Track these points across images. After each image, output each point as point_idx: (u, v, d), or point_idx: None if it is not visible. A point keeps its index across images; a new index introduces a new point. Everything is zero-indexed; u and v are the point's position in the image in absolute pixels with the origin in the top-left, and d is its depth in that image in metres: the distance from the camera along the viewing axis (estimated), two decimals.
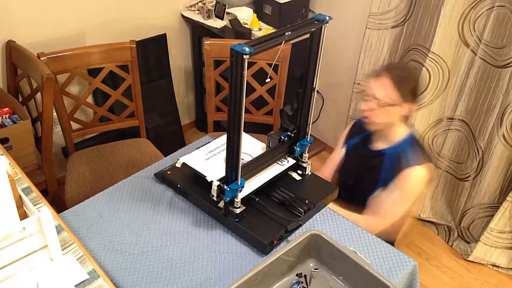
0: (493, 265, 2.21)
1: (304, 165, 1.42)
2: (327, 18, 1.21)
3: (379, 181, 1.55)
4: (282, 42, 1.11)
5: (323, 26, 1.23)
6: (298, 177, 1.42)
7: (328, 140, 2.90)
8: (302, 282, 1.14)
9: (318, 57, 1.29)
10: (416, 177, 1.47)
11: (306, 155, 1.43)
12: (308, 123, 1.37)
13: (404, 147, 1.52)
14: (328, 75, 2.69)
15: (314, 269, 1.17)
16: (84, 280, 1.05)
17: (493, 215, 2.10)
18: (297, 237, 1.15)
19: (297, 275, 1.15)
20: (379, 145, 1.59)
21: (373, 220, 1.52)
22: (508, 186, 2.09)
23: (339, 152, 1.76)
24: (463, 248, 2.28)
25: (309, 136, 1.40)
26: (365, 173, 1.62)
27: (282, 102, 2.04)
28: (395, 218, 1.53)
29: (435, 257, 2.27)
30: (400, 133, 1.54)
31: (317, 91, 2.76)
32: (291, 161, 1.42)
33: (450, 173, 2.33)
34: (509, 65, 1.90)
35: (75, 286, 1.04)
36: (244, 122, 1.11)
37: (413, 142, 1.55)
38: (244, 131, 1.15)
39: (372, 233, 1.32)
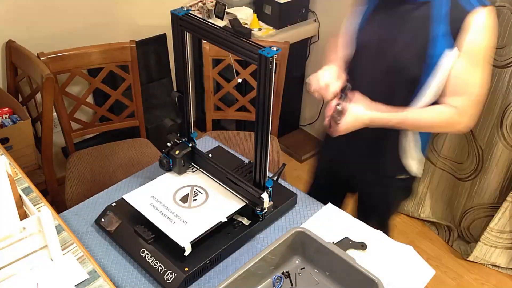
0: (493, 265, 2.21)
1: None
2: (271, 52, 1.02)
3: (429, 45, 1.11)
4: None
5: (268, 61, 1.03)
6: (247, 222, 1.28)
7: None
8: (287, 277, 1.15)
9: (266, 98, 1.09)
10: (482, 22, 1.07)
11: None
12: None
13: None
14: None
15: (301, 268, 1.17)
16: (84, 280, 1.05)
17: (493, 215, 2.10)
18: (282, 235, 1.15)
19: (282, 273, 1.15)
20: None
21: (461, 105, 1.13)
22: (508, 186, 2.09)
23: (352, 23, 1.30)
24: (463, 248, 2.28)
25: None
26: (401, 40, 1.16)
27: (280, 101, 2.04)
28: (483, 92, 1.13)
29: (435, 257, 2.27)
30: None
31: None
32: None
33: (450, 173, 2.33)
34: (509, 65, 1.90)
35: (75, 286, 1.04)
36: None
37: None
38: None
39: (462, 129, 1.11)
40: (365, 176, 1.45)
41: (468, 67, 1.11)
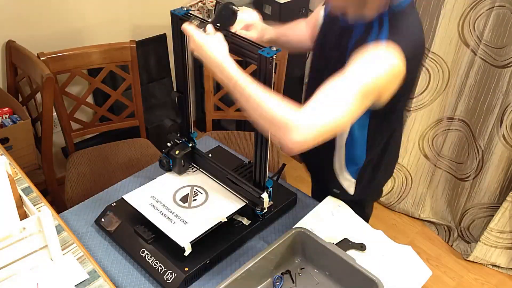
0: (493, 265, 2.21)
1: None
2: (271, 52, 1.01)
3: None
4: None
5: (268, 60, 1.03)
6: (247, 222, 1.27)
7: None
8: (287, 273, 1.15)
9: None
10: (379, 55, 0.97)
11: None
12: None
13: (382, 18, 1.03)
14: None
15: (301, 268, 1.17)
16: (84, 280, 1.05)
17: (493, 215, 2.10)
18: (282, 235, 1.15)
19: (282, 273, 1.15)
20: (353, 14, 1.09)
21: (304, 113, 0.95)
22: (508, 186, 2.09)
23: (317, 13, 1.28)
24: (463, 248, 2.28)
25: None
26: (331, 56, 1.16)
27: None
28: (334, 116, 0.95)
29: (435, 257, 2.27)
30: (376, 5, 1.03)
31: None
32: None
33: (450, 173, 2.33)
34: (509, 65, 1.90)
35: (75, 286, 1.04)
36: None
37: (406, 10, 1.05)
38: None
39: (293, 137, 0.92)
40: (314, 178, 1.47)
41: (338, 86, 0.97)
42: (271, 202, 1.27)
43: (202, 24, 1.08)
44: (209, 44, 1.04)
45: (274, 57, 1.03)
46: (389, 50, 0.98)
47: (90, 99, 2.24)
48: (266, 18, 2.47)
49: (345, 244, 1.22)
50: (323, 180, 1.42)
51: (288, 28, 1.38)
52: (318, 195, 1.42)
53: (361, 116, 1.03)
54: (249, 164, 1.44)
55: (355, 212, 1.35)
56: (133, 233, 1.21)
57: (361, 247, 1.22)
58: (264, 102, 0.96)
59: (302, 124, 0.93)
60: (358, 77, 0.97)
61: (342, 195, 1.36)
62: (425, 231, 2.41)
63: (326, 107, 0.96)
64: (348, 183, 1.33)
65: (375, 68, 0.98)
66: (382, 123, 1.20)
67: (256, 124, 1.02)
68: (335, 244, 1.19)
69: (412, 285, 1.15)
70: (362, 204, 1.42)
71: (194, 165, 1.41)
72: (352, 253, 1.20)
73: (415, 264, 1.20)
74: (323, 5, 1.26)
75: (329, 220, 1.31)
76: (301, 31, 1.37)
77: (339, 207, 1.34)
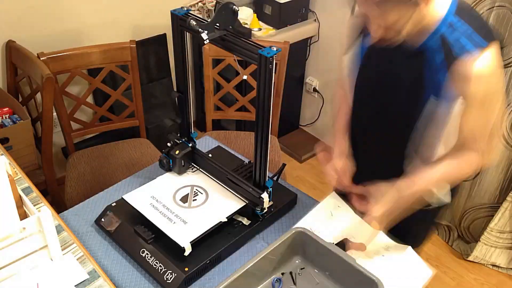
0: (493, 265, 2.21)
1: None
2: (271, 52, 1.03)
3: (423, 94, 1.05)
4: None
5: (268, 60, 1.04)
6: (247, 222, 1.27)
7: (328, 140, 2.89)
8: (284, 274, 1.15)
9: (266, 95, 1.09)
10: (483, 69, 0.96)
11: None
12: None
13: (450, 25, 0.98)
14: (328, 74, 2.69)
15: (301, 268, 1.17)
16: (84, 280, 1.05)
17: (493, 215, 2.10)
18: (282, 235, 1.15)
19: (282, 274, 1.15)
20: (409, 40, 1.02)
21: (467, 159, 1.09)
22: (508, 186, 2.09)
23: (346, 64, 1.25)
24: (463, 248, 2.28)
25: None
26: (394, 90, 1.13)
27: (280, 101, 2.04)
28: (486, 139, 1.08)
29: (435, 257, 2.27)
30: (434, 12, 0.98)
31: (317, 91, 2.77)
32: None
33: None
34: (509, 65, 1.90)
35: (75, 286, 1.04)
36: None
37: (461, 12, 0.99)
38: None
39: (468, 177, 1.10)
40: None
41: (478, 117, 1.04)
42: (271, 202, 1.27)
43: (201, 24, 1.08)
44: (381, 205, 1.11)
45: (274, 57, 1.03)
46: (493, 51, 0.98)
47: (90, 99, 2.24)
48: (266, 18, 2.48)
49: (345, 244, 1.22)
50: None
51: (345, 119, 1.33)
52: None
53: None
54: (249, 164, 1.44)
55: (434, 216, 1.42)
56: (133, 233, 1.21)
57: (361, 247, 1.22)
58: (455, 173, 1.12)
59: (484, 157, 1.09)
60: (490, 98, 1.02)
61: (429, 209, 1.33)
62: None
63: (485, 136, 1.07)
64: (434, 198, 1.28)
65: (495, 80, 1.01)
66: None
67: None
68: (335, 244, 1.19)
69: (414, 285, 1.15)
70: (436, 213, 1.43)
71: (194, 165, 1.41)
72: (352, 253, 1.20)
73: (416, 264, 1.20)
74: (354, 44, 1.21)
75: (329, 220, 1.31)
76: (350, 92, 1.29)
77: (338, 207, 1.34)
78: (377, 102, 1.21)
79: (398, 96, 1.13)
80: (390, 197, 1.12)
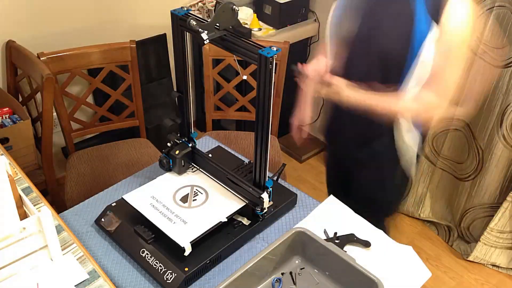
0: (493, 265, 2.21)
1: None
2: (271, 52, 1.04)
3: (412, 25, 1.11)
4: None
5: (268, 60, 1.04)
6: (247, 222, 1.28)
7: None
8: (284, 275, 1.15)
9: (266, 94, 1.10)
10: (464, 11, 1.06)
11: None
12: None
13: None
14: None
15: (301, 268, 1.17)
16: (84, 280, 1.05)
17: (493, 215, 2.10)
18: (282, 235, 1.15)
19: (282, 274, 1.15)
20: None
21: (431, 95, 1.16)
22: (508, 186, 2.09)
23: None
24: (463, 248, 2.28)
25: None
26: (385, 24, 1.18)
27: (280, 101, 2.05)
28: (453, 85, 1.16)
29: (435, 257, 2.27)
30: None
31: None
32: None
33: (450, 173, 2.33)
34: (509, 65, 1.90)
35: (75, 286, 1.04)
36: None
37: None
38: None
39: (429, 120, 1.18)
40: (361, 159, 1.44)
41: (446, 62, 1.13)
42: (271, 202, 1.27)
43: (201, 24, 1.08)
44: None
45: (274, 57, 1.03)
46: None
47: (90, 99, 2.24)
48: (266, 18, 2.48)
49: (351, 238, 1.22)
50: (378, 160, 1.42)
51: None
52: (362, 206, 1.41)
53: None
54: (249, 164, 1.44)
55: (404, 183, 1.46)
56: (133, 233, 1.21)
57: (365, 244, 1.22)
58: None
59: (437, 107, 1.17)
60: (462, 41, 1.11)
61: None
62: (425, 231, 2.41)
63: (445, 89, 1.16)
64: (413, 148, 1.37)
65: (470, 18, 1.09)
66: None
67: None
68: (340, 236, 1.19)
69: (411, 286, 1.15)
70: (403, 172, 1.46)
71: (194, 165, 1.41)
72: (353, 251, 1.20)
73: (415, 265, 1.20)
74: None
75: (329, 221, 1.31)
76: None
77: (339, 208, 1.34)
78: (365, 55, 1.24)
79: (386, 40, 1.18)
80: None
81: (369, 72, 1.24)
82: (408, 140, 1.32)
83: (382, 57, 1.19)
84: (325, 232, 1.26)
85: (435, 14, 1.09)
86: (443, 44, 1.10)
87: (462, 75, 1.16)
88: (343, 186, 1.53)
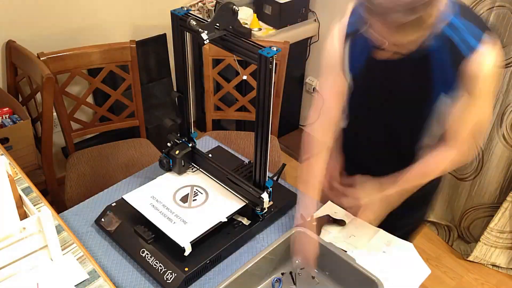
0: (493, 265, 2.21)
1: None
2: (271, 52, 1.04)
3: (433, 94, 1.07)
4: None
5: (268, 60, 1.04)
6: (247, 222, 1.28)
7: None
8: (284, 274, 1.15)
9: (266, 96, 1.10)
10: (488, 65, 0.99)
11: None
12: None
13: (451, 25, 0.99)
14: None
15: (300, 268, 1.17)
16: (84, 280, 1.05)
17: (493, 215, 2.10)
18: (282, 235, 1.15)
19: (282, 274, 1.15)
20: (411, 39, 0.97)
21: (459, 152, 1.11)
22: (508, 186, 2.09)
23: (339, 81, 1.20)
24: (463, 248, 2.28)
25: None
26: (400, 96, 1.13)
27: (280, 101, 2.04)
28: (482, 135, 1.19)
29: (435, 257, 2.27)
30: (436, 15, 0.93)
31: (317, 91, 2.77)
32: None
33: (450, 173, 2.33)
34: (509, 65, 1.90)
35: (75, 286, 1.04)
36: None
37: (462, 9, 1.01)
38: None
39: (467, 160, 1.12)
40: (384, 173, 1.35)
41: (469, 113, 1.08)
42: (271, 202, 1.27)
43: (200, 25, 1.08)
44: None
45: (274, 57, 1.03)
46: (493, 46, 1.00)
47: (90, 99, 2.24)
48: (266, 18, 2.48)
49: (326, 219, 1.25)
50: None
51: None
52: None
53: None
54: (249, 164, 1.44)
55: (421, 205, 1.41)
56: (133, 233, 1.21)
57: (341, 222, 1.25)
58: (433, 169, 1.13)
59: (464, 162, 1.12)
60: (490, 92, 1.05)
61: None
62: (425, 231, 2.41)
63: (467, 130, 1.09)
64: None
65: (498, 75, 1.03)
66: None
67: None
68: (316, 219, 1.21)
69: (411, 284, 1.16)
70: (431, 196, 1.44)
71: (194, 165, 1.41)
72: (353, 251, 1.20)
73: (415, 263, 1.20)
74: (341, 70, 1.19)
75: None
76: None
77: (335, 213, 1.34)
78: (384, 114, 1.20)
79: (407, 103, 1.13)
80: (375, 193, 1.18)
81: (381, 130, 1.23)
82: None
83: (399, 115, 1.18)
84: (301, 216, 1.23)
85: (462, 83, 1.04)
86: (474, 103, 1.06)
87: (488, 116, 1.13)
88: None
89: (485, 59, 0.99)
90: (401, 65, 1.07)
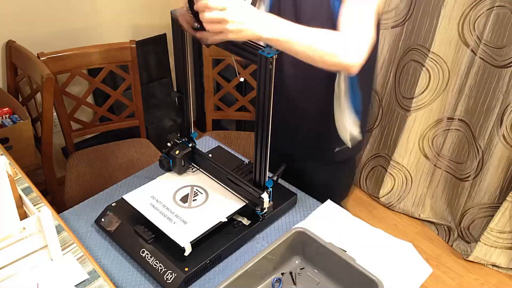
0: (493, 265, 2.21)
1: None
2: (271, 53, 1.02)
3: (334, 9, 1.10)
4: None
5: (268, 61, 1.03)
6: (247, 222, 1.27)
7: None
8: (284, 275, 1.15)
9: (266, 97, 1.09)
10: None
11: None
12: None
13: None
14: None
15: (301, 268, 1.17)
16: (84, 280, 1.05)
17: (493, 215, 2.10)
18: (282, 235, 1.15)
19: (282, 274, 1.15)
20: None
21: (351, 35, 1.05)
22: (508, 186, 2.09)
23: None
24: (463, 248, 2.28)
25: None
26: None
27: None
28: (370, 34, 1.06)
29: (435, 257, 2.27)
30: None
31: None
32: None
33: (450, 173, 2.33)
34: (509, 65, 1.90)
35: (75, 286, 1.04)
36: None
37: None
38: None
39: (351, 68, 1.03)
40: (305, 155, 1.43)
41: (360, 8, 1.06)
42: (271, 202, 1.27)
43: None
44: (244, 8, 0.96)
45: (274, 57, 1.03)
46: None
47: (90, 99, 2.24)
48: None
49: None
50: (320, 150, 1.40)
51: None
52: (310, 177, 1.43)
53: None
54: (249, 164, 1.44)
55: (346, 172, 1.47)
56: (133, 233, 1.21)
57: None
58: (313, 48, 1.01)
59: (349, 50, 1.02)
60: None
61: (344, 150, 1.38)
62: (425, 231, 2.41)
63: (363, 28, 1.05)
64: (354, 127, 1.33)
65: None
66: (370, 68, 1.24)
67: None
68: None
69: (412, 283, 1.16)
70: (354, 161, 1.48)
71: (194, 165, 1.41)
72: (353, 251, 1.20)
73: (416, 261, 1.20)
74: None
75: (328, 221, 1.31)
76: None
77: (336, 212, 1.34)
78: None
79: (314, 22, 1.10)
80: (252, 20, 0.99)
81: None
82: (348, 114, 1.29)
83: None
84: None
85: None
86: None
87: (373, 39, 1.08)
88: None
89: None
90: None
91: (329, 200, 1.38)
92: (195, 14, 0.99)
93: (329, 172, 1.47)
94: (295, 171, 1.48)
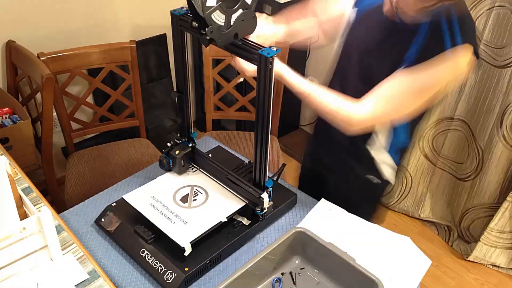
0: (493, 265, 2.21)
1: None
2: (271, 53, 1.05)
3: (397, 67, 1.09)
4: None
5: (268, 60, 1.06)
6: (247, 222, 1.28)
7: None
8: (284, 275, 1.15)
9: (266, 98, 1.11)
10: (458, 61, 1.03)
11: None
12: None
13: (451, 15, 1.03)
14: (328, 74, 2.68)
15: (301, 268, 1.17)
16: (84, 280, 1.05)
17: (493, 215, 2.10)
18: (282, 235, 1.15)
19: (282, 274, 1.15)
20: (409, 10, 1.06)
21: (372, 108, 1.10)
22: (508, 186, 2.09)
23: (338, 10, 1.28)
24: (463, 248, 2.28)
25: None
26: (380, 52, 1.16)
27: (280, 101, 2.04)
28: (402, 112, 1.12)
29: (435, 257, 2.27)
30: None
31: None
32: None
33: (450, 173, 2.33)
34: (509, 65, 1.90)
35: (75, 286, 1.04)
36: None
37: (459, 6, 1.05)
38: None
39: (356, 126, 1.11)
40: (337, 173, 1.43)
41: (408, 90, 1.08)
42: (271, 202, 1.27)
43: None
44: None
45: (274, 57, 1.03)
46: (465, 52, 1.03)
47: (90, 99, 2.24)
48: None
49: None
50: (351, 172, 1.39)
51: (296, 30, 1.38)
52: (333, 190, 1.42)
53: None
54: (249, 164, 1.44)
55: (372, 201, 1.45)
56: (133, 233, 1.21)
57: None
58: (325, 103, 1.13)
59: (361, 118, 1.11)
60: (434, 82, 1.06)
61: (374, 182, 1.36)
62: (425, 231, 2.41)
63: (388, 101, 1.09)
64: (385, 165, 1.33)
65: (453, 73, 1.05)
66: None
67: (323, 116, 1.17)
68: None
69: (414, 276, 1.16)
70: (384, 190, 1.45)
71: (194, 165, 1.41)
72: (353, 249, 1.20)
73: (414, 255, 1.21)
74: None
75: (325, 218, 1.31)
76: (312, 30, 1.39)
77: (330, 210, 1.34)
78: (362, 65, 1.23)
79: (380, 64, 1.16)
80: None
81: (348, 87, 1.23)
82: (384, 153, 1.30)
83: (365, 80, 1.18)
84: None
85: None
86: (412, 78, 1.07)
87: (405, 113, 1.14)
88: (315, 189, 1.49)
89: (459, 54, 1.03)
90: (388, 27, 1.13)
91: (322, 199, 1.38)
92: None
93: (352, 191, 1.43)
94: (323, 179, 1.48)
